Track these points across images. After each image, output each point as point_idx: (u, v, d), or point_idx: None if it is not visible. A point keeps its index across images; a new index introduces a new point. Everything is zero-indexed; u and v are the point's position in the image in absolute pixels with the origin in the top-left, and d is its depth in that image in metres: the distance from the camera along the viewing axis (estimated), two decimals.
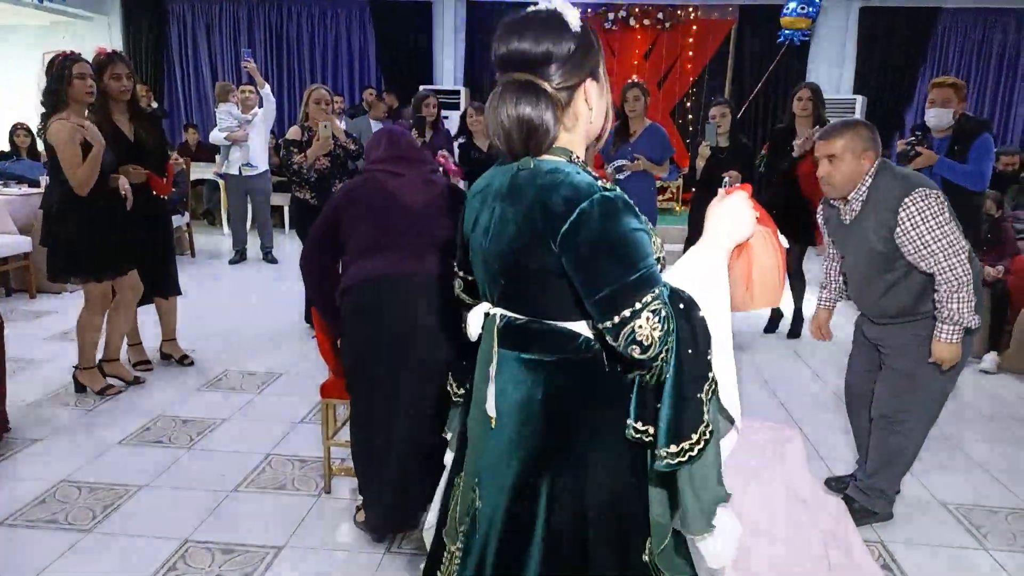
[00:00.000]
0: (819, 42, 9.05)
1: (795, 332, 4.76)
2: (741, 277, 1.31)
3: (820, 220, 2.60)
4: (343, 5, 9.52)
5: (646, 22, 9.04)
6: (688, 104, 9.33)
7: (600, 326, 1.14)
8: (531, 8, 1.20)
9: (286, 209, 7.99)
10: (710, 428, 1.18)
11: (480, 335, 1.30)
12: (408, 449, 2.10)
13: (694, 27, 9.07)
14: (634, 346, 1.11)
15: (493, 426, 1.27)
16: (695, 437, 1.16)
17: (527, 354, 1.25)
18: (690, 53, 9.14)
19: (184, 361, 3.97)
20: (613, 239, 1.12)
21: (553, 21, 1.17)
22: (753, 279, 1.32)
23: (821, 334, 2.73)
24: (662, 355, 1.14)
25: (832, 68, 8.87)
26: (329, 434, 2.60)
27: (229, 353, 4.15)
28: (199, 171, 8.07)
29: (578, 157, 1.22)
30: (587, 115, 1.22)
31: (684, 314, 1.15)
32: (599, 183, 1.15)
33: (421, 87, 9.01)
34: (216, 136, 6.59)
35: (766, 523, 2.43)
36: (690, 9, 9.00)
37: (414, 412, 2.09)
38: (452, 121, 8.96)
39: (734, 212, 1.25)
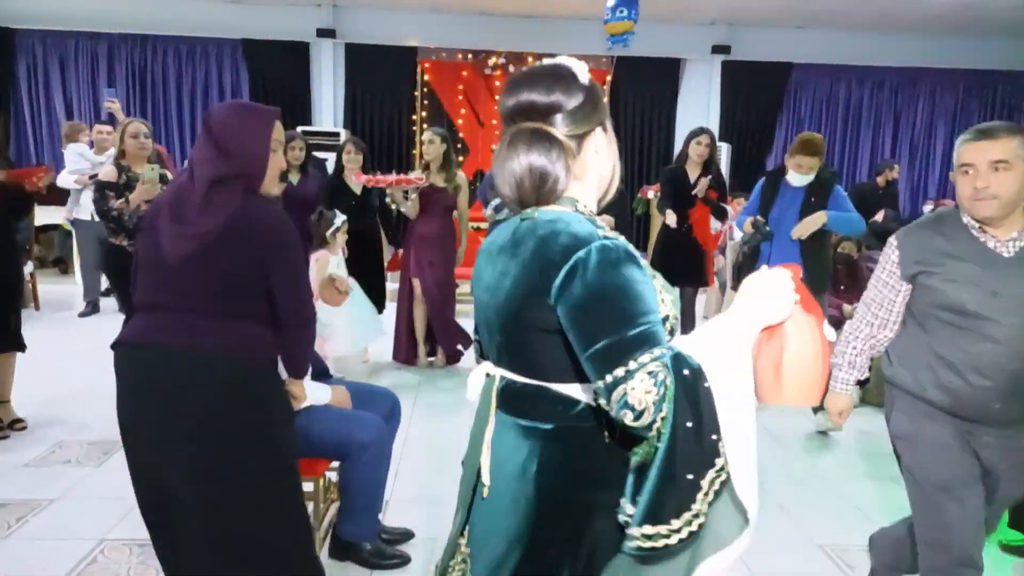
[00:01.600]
0: (686, 94, 9.55)
1: None
2: (770, 364, 1.15)
3: (896, 256, 1.89)
4: (213, 43, 9.12)
5: (524, 69, 9.21)
6: None
7: (594, 386, 1.05)
8: (539, 63, 1.23)
9: None
10: (700, 521, 1.04)
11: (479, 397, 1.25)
12: None
13: None
14: (626, 410, 1.00)
15: (485, 495, 1.21)
16: (676, 524, 1.03)
17: (524, 420, 1.18)
18: None
19: (16, 426, 3.50)
20: (611, 289, 1.05)
21: (563, 73, 1.19)
22: (783, 369, 1.14)
23: (840, 421, 2.10)
24: (657, 423, 1.01)
25: (699, 117, 9.35)
26: None
27: (69, 419, 3.69)
28: (49, 215, 7.37)
29: (585, 206, 1.18)
30: (596, 164, 1.20)
31: (687, 382, 1.02)
32: (601, 231, 1.09)
33: (299, 128, 8.75)
34: (65, 179, 6.04)
35: None
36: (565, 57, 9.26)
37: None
38: (334, 162, 8.71)
39: (773, 288, 1.12)
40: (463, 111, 9.35)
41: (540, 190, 1.14)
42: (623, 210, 4.79)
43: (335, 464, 2.39)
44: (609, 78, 9.41)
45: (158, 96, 9.19)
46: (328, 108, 9.33)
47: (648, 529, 1.02)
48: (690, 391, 1.02)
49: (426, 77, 9.31)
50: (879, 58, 9.42)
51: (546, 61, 1.23)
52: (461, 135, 9.31)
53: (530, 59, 9.19)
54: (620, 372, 1.00)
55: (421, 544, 2.59)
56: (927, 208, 9.08)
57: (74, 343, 5.26)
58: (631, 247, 1.10)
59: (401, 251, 4.85)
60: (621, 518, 1.08)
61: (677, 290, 4.31)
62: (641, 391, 0.99)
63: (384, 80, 9.26)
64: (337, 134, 8.91)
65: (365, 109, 9.36)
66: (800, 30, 9.34)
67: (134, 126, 3.91)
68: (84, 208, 5.94)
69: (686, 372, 1.02)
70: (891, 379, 1.95)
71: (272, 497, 1.79)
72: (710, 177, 4.39)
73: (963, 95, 9.58)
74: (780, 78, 9.47)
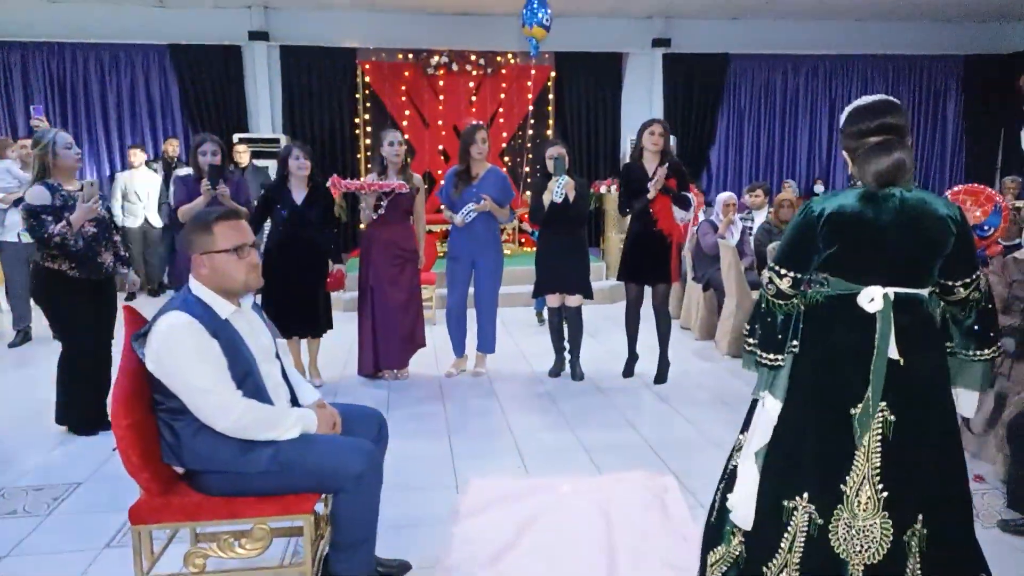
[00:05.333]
0: (630, 87, 9.58)
1: (662, 377, 4.65)
2: None
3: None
4: (137, 50, 8.64)
5: (468, 68, 9.08)
6: (516, 145, 9.45)
7: (969, 279, 1.87)
8: (878, 98, 1.92)
9: None
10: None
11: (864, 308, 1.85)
12: None
13: (514, 73, 9.23)
14: (978, 292, 1.89)
15: (903, 364, 1.81)
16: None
17: (900, 315, 1.83)
18: (513, 97, 9.29)
19: None
20: (972, 235, 1.91)
21: (899, 106, 1.90)
22: None
23: None
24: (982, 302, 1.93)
25: (642, 110, 9.38)
26: (145, 569, 2.08)
27: (8, 463, 3.37)
28: None
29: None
30: None
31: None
32: None
33: (236, 136, 8.38)
34: None
35: None
36: (509, 56, 9.16)
37: None
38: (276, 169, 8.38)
39: None
40: (408, 112, 9.13)
41: (902, 176, 1.80)
42: (586, 204, 4.68)
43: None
44: (552, 73, 9.34)
45: (79, 107, 8.67)
46: (265, 114, 8.98)
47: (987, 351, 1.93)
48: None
49: (367, 79, 9.05)
50: (812, 46, 9.65)
51: (879, 96, 1.94)
52: (406, 136, 9.08)
53: (472, 57, 9.05)
54: (978, 272, 1.89)
55: (419, 574, 2.43)
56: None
57: (4, 377, 4.86)
58: None
59: (339, 268, 4.51)
60: (969, 355, 1.94)
61: None
62: (984, 280, 1.93)
63: (323, 83, 8.97)
64: (277, 140, 8.58)
65: (304, 113, 9.05)
66: (735, 21, 9.48)
67: (64, 137, 3.58)
68: (10, 229, 5.52)
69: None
70: None
71: None
72: (667, 166, 4.30)
73: (893, 79, 9.90)
74: (719, 69, 9.59)
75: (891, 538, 1.79)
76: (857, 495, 1.80)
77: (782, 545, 1.87)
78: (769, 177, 9.67)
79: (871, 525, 1.80)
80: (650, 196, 4.30)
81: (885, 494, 1.79)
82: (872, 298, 1.80)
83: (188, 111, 8.79)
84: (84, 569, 2.48)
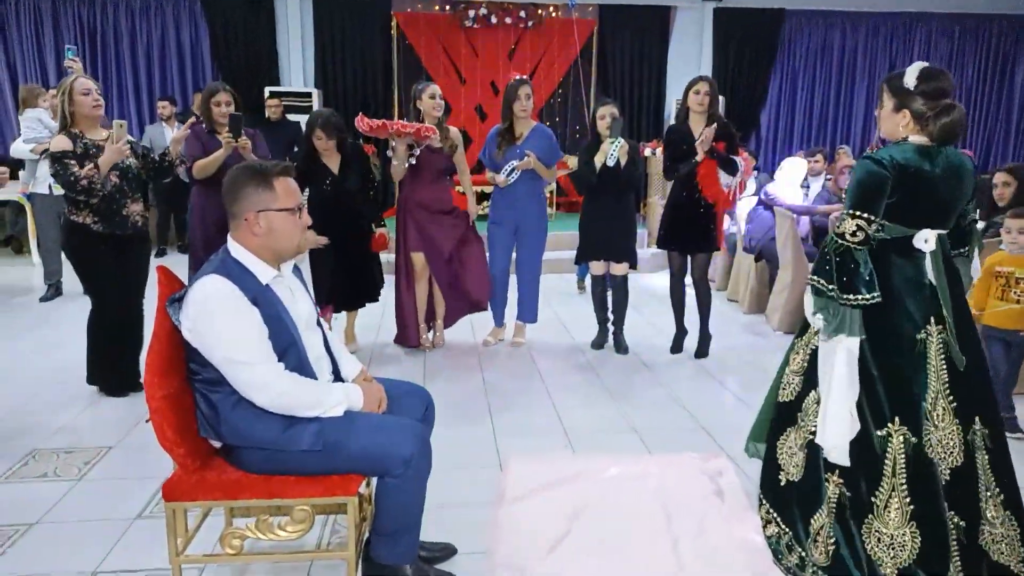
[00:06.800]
0: (677, 43, 9.14)
1: (703, 351, 4.43)
2: None
3: None
4: None
5: (508, 20, 8.71)
6: (556, 105, 9.11)
7: (972, 215, 2.25)
8: (933, 66, 2.11)
9: None
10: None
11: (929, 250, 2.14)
12: None
13: (556, 27, 8.85)
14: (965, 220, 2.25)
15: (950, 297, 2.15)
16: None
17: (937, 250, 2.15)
18: (554, 53, 8.92)
19: None
20: None
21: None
22: None
23: None
24: None
25: (690, 69, 8.96)
26: (179, 548, 1.94)
27: (39, 424, 3.28)
28: None
29: None
30: None
31: None
32: None
33: (268, 89, 8.17)
34: (20, 148, 5.49)
35: None
36: (551, 8, 8.77)
37: None
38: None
39: None
40: (443, 67, 8.81)
41: (958, 136, 2.11)
42: (637, 170, 4.40)
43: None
44: (596, 28, 8.94)
45: (109, 57, 8.50)
46: (297, 67, 8.74)
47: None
48: None
49: (401, 31, 8.73)
50: (873, 3, 9.10)
51: (930, 64, 2.13)
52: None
53: (512, 9, 8.68)
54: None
55: (464, 560, 2.27)
56: None
57: (35, 333, 4.78)
58: None
59: (380, 232, 4.30)
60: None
61: None
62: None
63: (356, 35, 8.70)
64: (309, 94, 8.36)
65: (337, 66, 8.78)
66: None
67: (82, 82, 3.37)
68: (41, 181, 5.41)
69: None
70: None
71: None
72: (715, 127, 3.99)
73: (959, 40, 9.32)
74: (773, 25, 9.10)
75: (963, 441, 2.09)
76: (934, 409, 2.08)
77: (885, 471, 2.07)
78: (822, 142, 9.21)
79: (949, 433, 2.08)
80: (697, 158, 4.01)
81: (954, 404, 2.09)
82: (927, 239, 2.11)
83: (218, 63, 8.58)
84: (115, 540, 2.36)
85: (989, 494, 2.10)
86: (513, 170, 4.28)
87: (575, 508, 2.55)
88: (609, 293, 4.51)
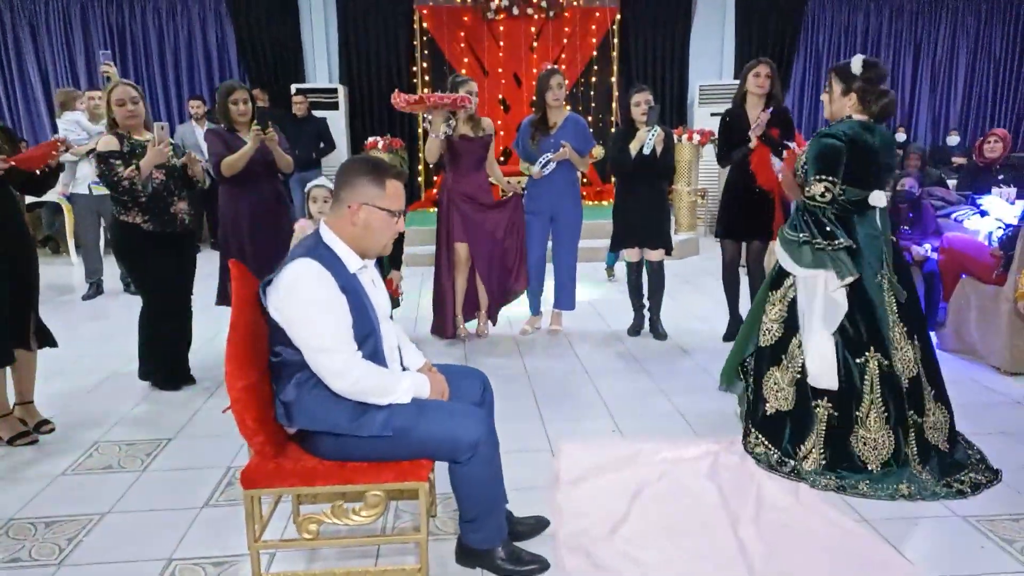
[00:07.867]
0: (699, 30, 9.08)
1: (731, 335, 4.35)
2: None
3: None
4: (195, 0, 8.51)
5: (529, 11, 8.71)
6: (579, 93, 9.10)
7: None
8: (871, 57, 2.70)
9: None
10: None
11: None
12: None
13: (578, 16, 8.83)
14: None
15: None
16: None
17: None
18: (576, 42, 8.90)
19: (43, 429, 3.17)
20: None
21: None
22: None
23: None
24: None
25: (712, 57, 8.92)
26: (257, 534, 2.00)
27: (95, 417, 3.36)
28: None
29: None
30: None
31: None
32: None
33: (294, 87, 8.24)
34: None
35: None
36: None
37: None
38: (336, 126, 8.25)
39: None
40: (466, 59, 8.84)
41: (892, 114, 2.81)
42: (673, 158, 4.40)
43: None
44: (617, 16, 8.91)
45: (139, 58, 8.62)
46: (323, 64, 8.81)
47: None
48: None
49: (424, 24, 8.76)
50: None
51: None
52: None
53: (542, 2, 8.67)
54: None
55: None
56: (952, 140, 8.79)
57: (80, 331, 4.89)
58: None
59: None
60: None
61: None
62: None
63: (380, 29, 8.73)
64: (334, 90, 8.42)
65: (361, 61, 8.84)
66: None
67: (118, 91, 3.45)
68: (81, 182, 5.52)
69: None
70: None
71: None
72: (771, 112, 3.91)
73: (986, 22, 9.18)
74: (796, 8, 9.01)
75: (916, 356, 2.72)
76: (893, 334, 2.68)
77: (864, 390, 2.64)
78: None
79: (906, 352, 2.70)
80: (751, 145, 3.92)
81: (905, 329, 2.70)
82: (880, 197, 2.68)
83: (245, 62, 8.66)
84: (186, 528, 2.43)
85: (926, 392, 2.72)
86: (548, 162, 4.31)
87: (632, 491, 2.58)
88: (644, 279, 4.53)
